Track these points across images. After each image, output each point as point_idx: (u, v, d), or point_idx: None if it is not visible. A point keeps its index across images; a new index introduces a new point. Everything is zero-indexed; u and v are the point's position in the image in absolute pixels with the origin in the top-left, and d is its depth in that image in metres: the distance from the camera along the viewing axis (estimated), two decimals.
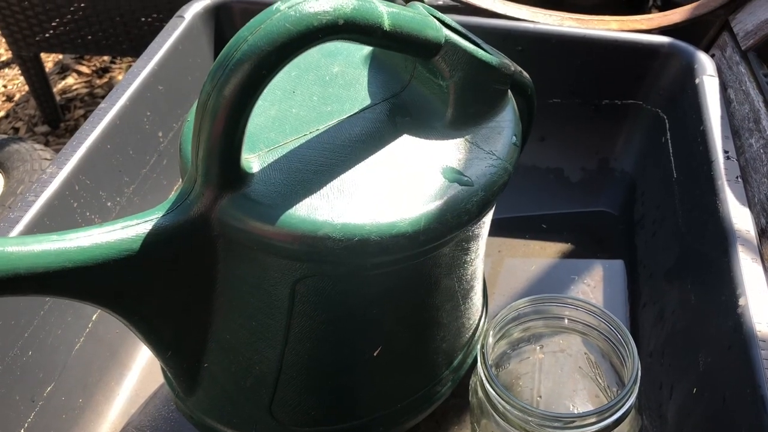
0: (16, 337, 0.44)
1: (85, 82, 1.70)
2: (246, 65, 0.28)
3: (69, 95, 1.65)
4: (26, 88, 1.64)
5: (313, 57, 0.41)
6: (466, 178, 0.35)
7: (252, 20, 0.29)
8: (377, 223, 0.32)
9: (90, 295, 0.31)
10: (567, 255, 0.64)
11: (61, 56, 1.77)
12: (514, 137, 0.38)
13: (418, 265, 0.36)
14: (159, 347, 0.36)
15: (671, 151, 0.59)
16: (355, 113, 0.37)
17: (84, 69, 1.73)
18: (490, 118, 0.38)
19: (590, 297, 0.59)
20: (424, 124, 0.37)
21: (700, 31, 0.71)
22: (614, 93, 0.65)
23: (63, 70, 1.74)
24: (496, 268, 0.62)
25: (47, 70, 1.66)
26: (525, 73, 0.42)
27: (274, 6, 0.29)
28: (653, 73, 0.63)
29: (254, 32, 0.28)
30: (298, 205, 0.32)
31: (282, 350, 0.37)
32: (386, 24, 0.31)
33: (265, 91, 0.38)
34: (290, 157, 0.34)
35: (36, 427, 0.45)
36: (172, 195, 0.33)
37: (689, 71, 0.60)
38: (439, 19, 0.36)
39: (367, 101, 0.38)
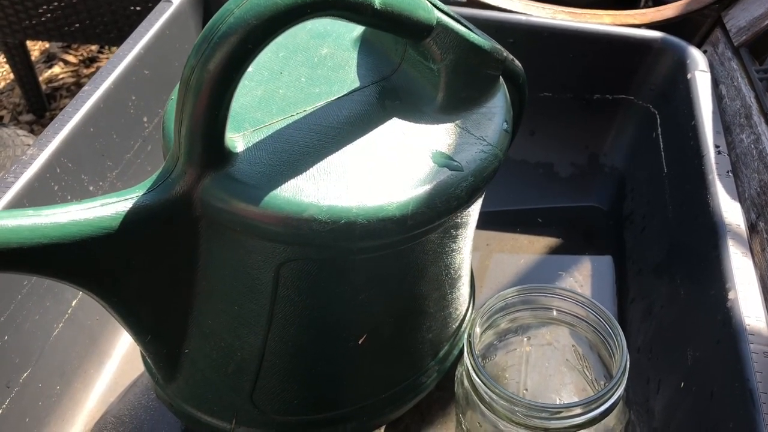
0: None
1: (72, 71, 1.68)
2: (232, 39, 0.27)
3: (55, 84, 1.63)
4: (11, 76, 1.62)
5: (302, 38, 0.40)
6: (456, 163, 0.34)
7: None
8: (364, 206, 0.31)
9: (66, 274, 0.30)
10: (556, 250, 0.63)
11: (47, 45, 1.74)
12: (505, 123, 0.37)
13: (405, 250, 0.35)
14: (138, 331, 0.35)
15: (662, 146, 0.59)
16: (343, 95, 0.36)
17: (71, 58, 1.71)
18: (481, 104, 0.38)
19: None
20: (414, 108, 0.37)
21: (692, 27, 0.71)
22: (605, 87, 0.64)
23: (49, 59, 1.71)
24: (484, 261, 0.62)
25: (34, 58, 1.64)
26: (517, 62, 0.41)
27: None
28: (645, 68, 0.62)
29: (241, 5, 0.28)
30: (283, 186, 0.31)
31: (265, 336, 0.36)
32: (377, 2, 0.31)
33: (252, 71, 0.37)
34: (276, 138, 0.33)
35: (11, 413, 0.44)
36: (155, 174, 0.32)
37: (681, 66, 0.59)
38: (430, 1, 0.35)
39: (357, 84, 0.37)
